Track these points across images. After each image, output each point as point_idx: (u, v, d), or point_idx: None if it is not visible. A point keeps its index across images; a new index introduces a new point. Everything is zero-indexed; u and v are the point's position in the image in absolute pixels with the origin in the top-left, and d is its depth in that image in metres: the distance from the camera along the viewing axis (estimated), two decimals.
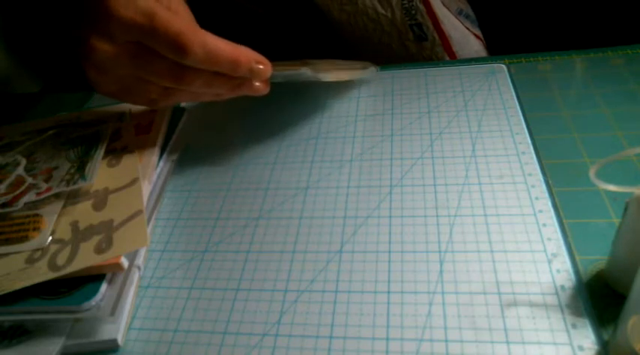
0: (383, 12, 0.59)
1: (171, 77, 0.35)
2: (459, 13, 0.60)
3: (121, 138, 0.43)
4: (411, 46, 0.61)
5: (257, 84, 0.38)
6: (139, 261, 0.34)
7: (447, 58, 0.60)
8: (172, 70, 0.35)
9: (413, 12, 0.58)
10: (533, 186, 0.35)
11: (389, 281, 0.31)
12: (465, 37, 0.60)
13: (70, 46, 0.36)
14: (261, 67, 0.36)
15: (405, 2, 0.58)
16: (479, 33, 0.62)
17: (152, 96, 0.37)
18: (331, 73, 0.42)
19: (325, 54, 0.53)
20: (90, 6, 0.34)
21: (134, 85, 0.36)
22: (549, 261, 0.30)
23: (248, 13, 0.69)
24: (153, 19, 0.33)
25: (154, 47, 0.34)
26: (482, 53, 0.61)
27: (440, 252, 0.32)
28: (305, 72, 0.40)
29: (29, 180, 0.39)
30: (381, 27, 0.61)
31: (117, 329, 0.31)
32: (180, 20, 0.34)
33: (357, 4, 0.60)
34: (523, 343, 0.27)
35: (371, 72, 0.49)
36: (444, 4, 0.58)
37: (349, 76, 0.45)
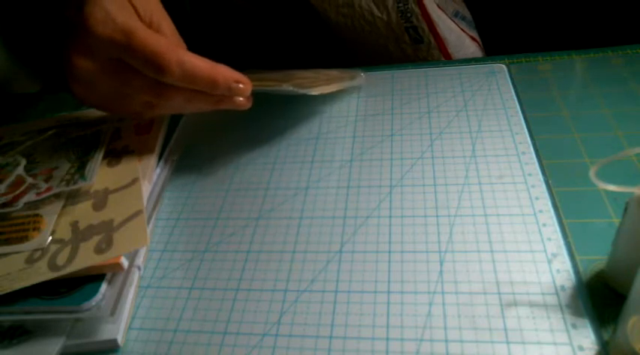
0: (379, 15, 0.60)
1: (151, 93, 0.35)
2: (454, 15, 0.60)
3: (121, 138, 0.43)
4: (407, 49, 0.61)
5: (239, 99, 0.38)
6: (139, 261, 0.34)
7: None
8: (152, 87, 0.35)
9: (408, 15, 0.58)
10: (533, 186, 0.35)
11: (389, 281, 0.31)
12: (460, 39, 0.60)
13: (58, 57, 0.36)
14: (240, 86, 0.36)
15: (400, 5, 0.58)
16: (475, 35, 0.62)
17: (135, 109, 0.38)
18: (315, 88, 0.41)
19: (322, 55, 0.53)
20: (70, 23, 0.34)
21: (116, 99, 0.37)
22: (549, 261, 0.30)
23: (246, 14, 0.69)
24: (131, 38, 0.33)
25: (132, 64, 0.34)
26: (478, 55, 0.62)
27: (440, 252, 0.32)
28: (286, 88, 0.39)
29: (29, 180, 0.39)
30: (378, 29, 0.61)
31: (117, 329, 0.31)
32: (159, 38, 0.34)
33: (353, 6, 0.60)
34: (523, 343, 0.27)
35: (359, 81, 0.48)
36: (439, 7, 0.58)
37: (336, 87, 0.44)
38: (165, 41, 0.34)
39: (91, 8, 0.33)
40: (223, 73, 0.35)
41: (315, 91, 0.41)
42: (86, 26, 0.33)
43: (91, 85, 0.36)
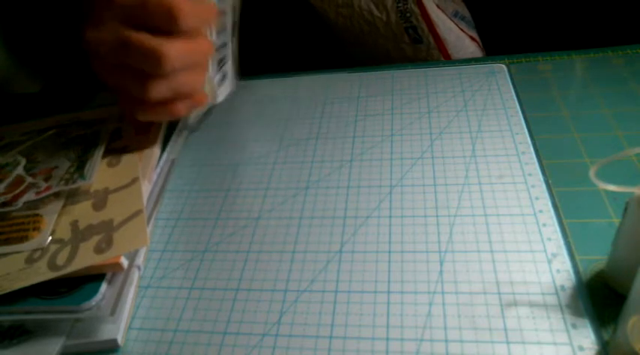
0: (378, 15, 0.60)
1: (140, 80, 0.35)
2: (454, 16, 0.60)
3: (121, 138, 0.43)
4: (406, 49, 0.61)
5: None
6: (139, 260, 0.34)
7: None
8: (143, 76, 0.35)
9: (408, 15, 0.58)
10: (533, 186, 0.35)
11: (389, 281, 0.31)
12: (459, 39, 0.60)
13: (78, 43, 0.36)
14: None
15: (399, 5, 0.58)
16: (475, 35, 0.62)
17: (128, 103, 0.37)
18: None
19: (322, 55, 0.53)
20: (89, 5, 0.35)
21: (117, 77, 0.37)
22: (549, 261, 0.30)
23: (245, 14, 0.69)
24: None
25: (148, 24, 0.34)
26: (478, 55, 0.62)
27: (440, 252, 0.32)
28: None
29: (29, 179, 0.39)
30: (377, 30, 0.61)
31: (117, 329, 0.31)
32: None
33: (352, 6, 0.60)
34: (523, 343, 0.27)
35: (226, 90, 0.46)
36: (438, 7, 0.58)
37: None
38: None
39: None
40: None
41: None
42: None
43: (103, 59, 0.36)
